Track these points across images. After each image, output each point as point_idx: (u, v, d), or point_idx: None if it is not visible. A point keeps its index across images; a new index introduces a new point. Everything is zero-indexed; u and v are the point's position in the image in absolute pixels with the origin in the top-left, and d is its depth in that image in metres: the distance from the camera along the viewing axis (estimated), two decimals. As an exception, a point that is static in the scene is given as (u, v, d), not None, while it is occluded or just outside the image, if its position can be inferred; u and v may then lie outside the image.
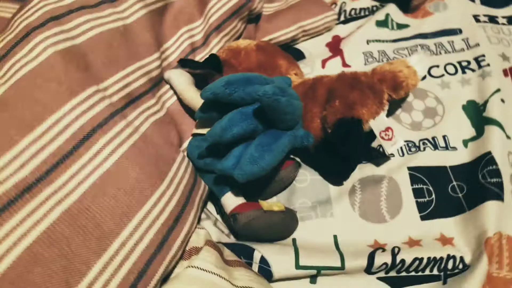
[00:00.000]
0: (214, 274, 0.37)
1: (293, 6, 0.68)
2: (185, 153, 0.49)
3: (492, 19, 0.65)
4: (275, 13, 0.67)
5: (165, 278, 0.37)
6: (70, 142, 0.34)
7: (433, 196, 0.51)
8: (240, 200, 0.47)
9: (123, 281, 0.32)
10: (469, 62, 0.60)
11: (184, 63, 0.51)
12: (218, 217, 0.51)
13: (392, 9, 0.70)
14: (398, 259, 0.45)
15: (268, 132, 0.44)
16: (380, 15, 0.69)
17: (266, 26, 0.64)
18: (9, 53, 0.35)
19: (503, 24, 0.65)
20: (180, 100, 0.52)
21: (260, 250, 0.45)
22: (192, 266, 0.37)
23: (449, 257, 0.45)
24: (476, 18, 0.65)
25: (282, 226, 0.49)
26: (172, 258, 0.37)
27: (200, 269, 0.37)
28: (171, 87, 0.52)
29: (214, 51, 0.57)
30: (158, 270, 0.35)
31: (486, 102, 0.55)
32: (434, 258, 0.45)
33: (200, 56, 0.56)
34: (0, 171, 0.30)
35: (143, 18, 0.48)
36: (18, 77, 0.33)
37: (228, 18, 0.58)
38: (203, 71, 0.51)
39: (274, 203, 0.49)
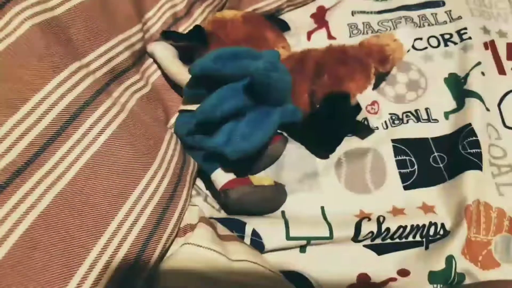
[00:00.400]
0: (210, 249, 0.37)
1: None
2: (173, 130, 0.48)
3: (474, -9, 0.66)
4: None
5: (162, 256, 0.37)
6: (57, 122, 0.33)
7: (416, 166, 0.53)
8: (230, 176, 0.47)
9: (121, 263, 0.32)
10: (451, 35, 0.61)
11: (168, 35, 0.49)
12: (208, 192, 0.51)
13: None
14: (384, 227, 0.47)
15: (258, 108, 0.43)
16: (364, -15, 0.68)
17: (251, -5, 0.62)
18: (-17, 27, 0.32)
19: (485, -4, 0.66)
20: (164, 74, 0.50)
21: (252, 224, 0.46)
22: (188, 243, 0.37)
23: (430, 224, 0.48)
24: (459, -11, 0.66)
25: (272, 200, 0.50)
26: (168, 237, 0.37)
27: (197, 245, 0.37)
28: (155, 61, 0.50)
29: (197, 23, 0.55)
30: (156, 250, 0.36)
31: (467, 75, 0.57)
32: (417, 225, 0.48)
33: (183, 28, 0.54)
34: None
35: (122, -14, 0.45)
36: (-4, 54, 0.31)
37: (212, -14, 0.56)
38: (188, 44, 0.49)
39: (263, 178, 0.49)
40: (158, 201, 0.37)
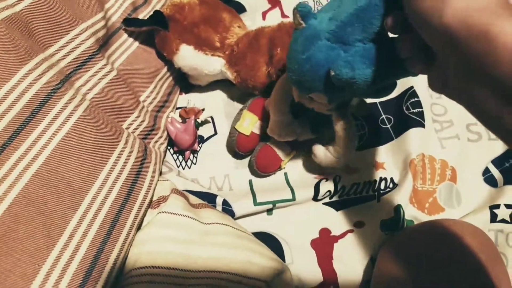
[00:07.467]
0: (183, 216, 0.41)
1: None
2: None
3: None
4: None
5: (138, 227, 0.41)
6: (28, 108, 0.35)
7: (366, 129, 0.58)
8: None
9: (99, 230, 0.36)
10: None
11: (129, 22, 0.52)
12: (180, 169, 0.55)
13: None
14: (339, 186, 0.53)
15: None
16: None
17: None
18: None
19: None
20: (129, 58, 0.53)
21: (222, 195, 0.51)
22: (162, 212, 0.41)
23: (381, 179, 0.54)
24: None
25: None
26: (140, 207, 0.41)
27: (170, 213, 0.41)
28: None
29: (156, 9, 0.57)
30: (128, 218, 0.40)
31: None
32: (369, 181, 0.53)
33: (142, 15, 0.56)
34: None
35: (81, -22, 0.47)
36: (-36, 49, 0.33)
37: (167, -27, 0.58)
38: (149, 28, 0.52)
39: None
40: (127, 176, 0.41)
